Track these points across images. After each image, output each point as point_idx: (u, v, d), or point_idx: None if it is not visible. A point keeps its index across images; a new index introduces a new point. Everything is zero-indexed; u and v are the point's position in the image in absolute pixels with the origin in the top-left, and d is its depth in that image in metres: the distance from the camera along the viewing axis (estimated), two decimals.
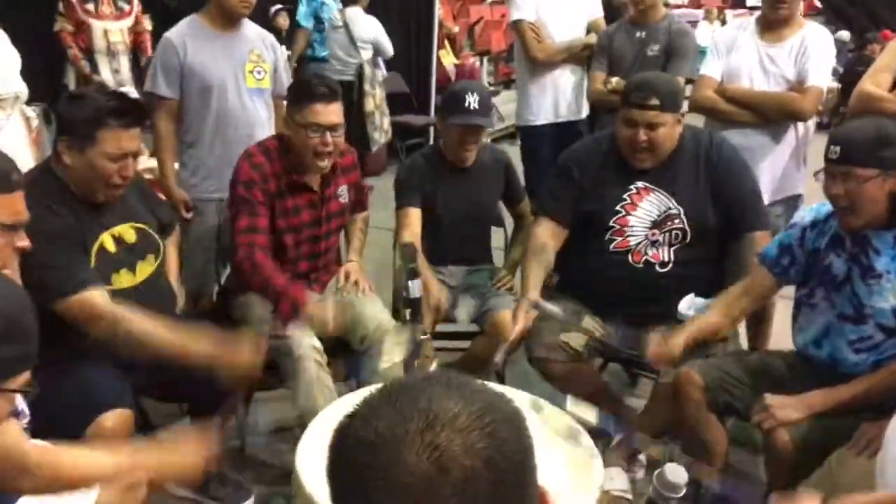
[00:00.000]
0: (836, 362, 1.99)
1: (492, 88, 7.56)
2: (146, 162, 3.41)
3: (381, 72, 5.88)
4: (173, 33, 2.83)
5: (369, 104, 5.67)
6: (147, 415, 2.19)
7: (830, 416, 1.89)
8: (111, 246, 2.02)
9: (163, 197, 2.63)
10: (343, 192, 2.48)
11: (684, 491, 1.16)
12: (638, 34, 3.27)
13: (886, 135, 1.84)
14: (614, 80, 3.22)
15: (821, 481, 1.77)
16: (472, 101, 2.55)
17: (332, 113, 2.28)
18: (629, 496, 2.26)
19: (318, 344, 2.23)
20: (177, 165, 2.93)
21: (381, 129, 5.79)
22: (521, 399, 1.86)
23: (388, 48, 5.78)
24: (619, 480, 2.31)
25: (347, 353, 2.44)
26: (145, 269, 2.11)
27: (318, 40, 5.86)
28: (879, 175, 1.83)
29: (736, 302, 2.20)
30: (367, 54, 5.66)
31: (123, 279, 2.05)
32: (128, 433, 1.84)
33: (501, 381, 2.80)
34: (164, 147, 2.85)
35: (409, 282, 1.98)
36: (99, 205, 2.01)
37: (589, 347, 2.45)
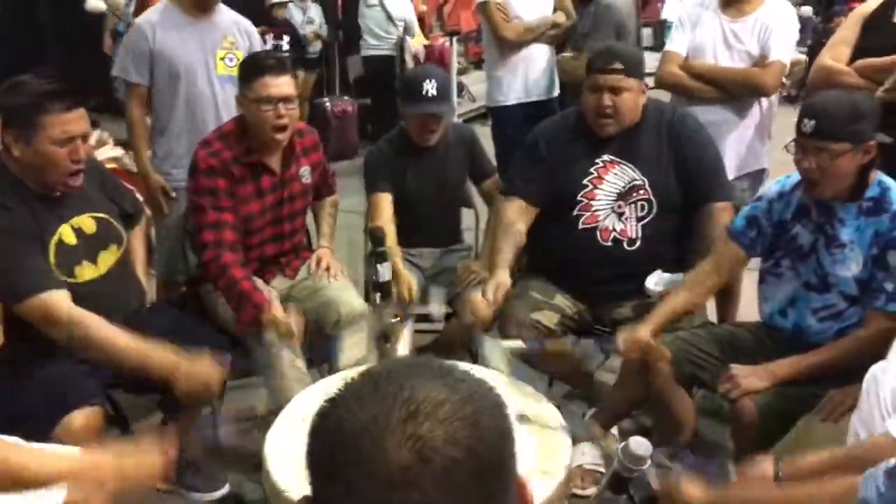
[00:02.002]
0: (801, 331, 2.03)
1: (462, 69, 7.54)
2: (111, 151, 3.37)
3: (411, 45, 6.18)
4: (143, 18, 2.79)
5: None
6: (120, 409, 2.17)
7: (795, 384, 1.92)
8: (71, 238, 1.99)
9: (129, 186, 2.60)
10: (305, 173, 2.47)
11: (648, 463, 1.18)
12: None
13: (859, 109, 1.85)
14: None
15: (788, 448, 1.80)
16: (430, 87, 2.54)
17: (284, 84, 2.25)
18: (602, 469, 2.31)
19: (291, 330, 2.23)
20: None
21: None
22: (492, 378, 1.90)
23: (416, 26, 6.26)
24: (590, 454, 2.36)
25: (321, 338, 2.44)
26: (108, 259, 2.08)
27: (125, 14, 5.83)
28: (851, 149, 1.84)
29: (706, 277, 2.22)
30: (401, 30, 6.05)
31: (86, 271, 2.02)
32: (98, 431, 1.82)
33: (475, 361, 2.82)
34: (136, 133, 2.82)
35: (378, 265, 1.99)
36: (56, 197, 1.98)
37: (561, 324, 2.47)
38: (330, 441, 0.65)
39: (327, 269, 2.47)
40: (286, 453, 1.56)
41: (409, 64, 5.91)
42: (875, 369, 1.59)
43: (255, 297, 2.20)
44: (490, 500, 0.64)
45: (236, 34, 2.84)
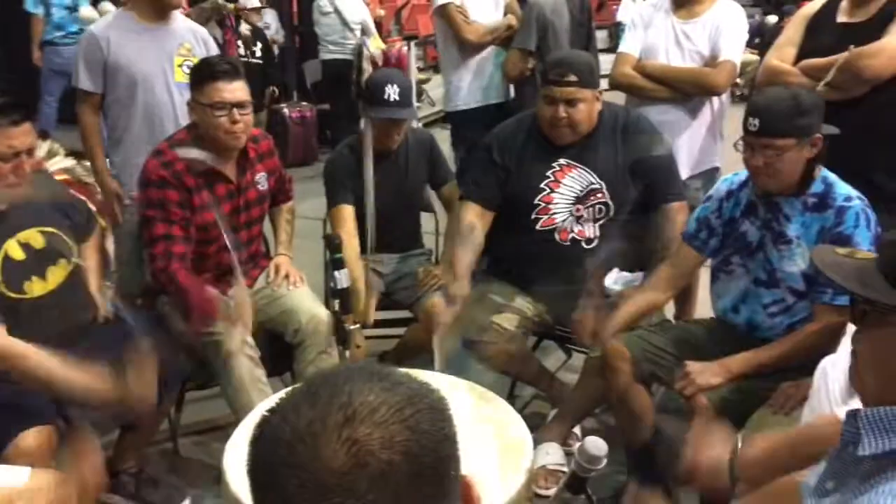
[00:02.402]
0: (753, 327, 2.07)
1: (421, 74, 7.54)
2: (62, 162, 3.30)
3: (367, 48, 6.11)
4: (98, 27, 2.77)
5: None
6: (74, 426, 2.12)
7: (748, 378, 1.96)
8: (18, 253, 1.94)
9: (82, 197, 2.55)
10: (261, 180, 2.44)
11: (605, 462, 1.19)
12: None
13: (801, 104, 1.90)
14: None
15: (742, 441, 1.84)
16: (392, 92, 2.54)
17: (237, 90, 2.23)
18: (565, 469, 2.33)
19: (249, 339, 2.21)
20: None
21: None
22: (456, 384, 1.90)
23: (373, 28, 6.22)
24: (554, 454, 2.38)
25: (281, 347, 2.42)
26: (58, 274, 2.03)
27: (51, 24, 5.81)
28: (797, 143, 1.89)
29: (667, 281, 2.25)
30: (358, 34, 6.03)
31: (35, 287, 1.98)
32: (51, 451, 1.76)
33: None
34: (91, 141, 2.79)
35: (335, 272, 1.98)
36: (1, 211, 1.93)
37: (521, 327, 2.48)
38: (266, 449, 0.65)
39: (286, 277, 2.45)
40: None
41: (367, 69, 5.86)
42: (825, 363, 1.63)
43: (205, 309, 2.17)
44: (430, 502, 0.64)
45: (192, 41, 2.82)
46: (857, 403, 1.01)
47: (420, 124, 6.73)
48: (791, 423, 1.75)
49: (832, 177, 1.97)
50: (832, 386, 1.56)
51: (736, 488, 1.30)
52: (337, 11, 6.01)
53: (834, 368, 1.58)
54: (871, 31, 2.30)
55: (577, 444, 1.23)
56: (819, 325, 1.91)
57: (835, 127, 1.92)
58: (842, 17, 2.42)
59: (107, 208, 2.76)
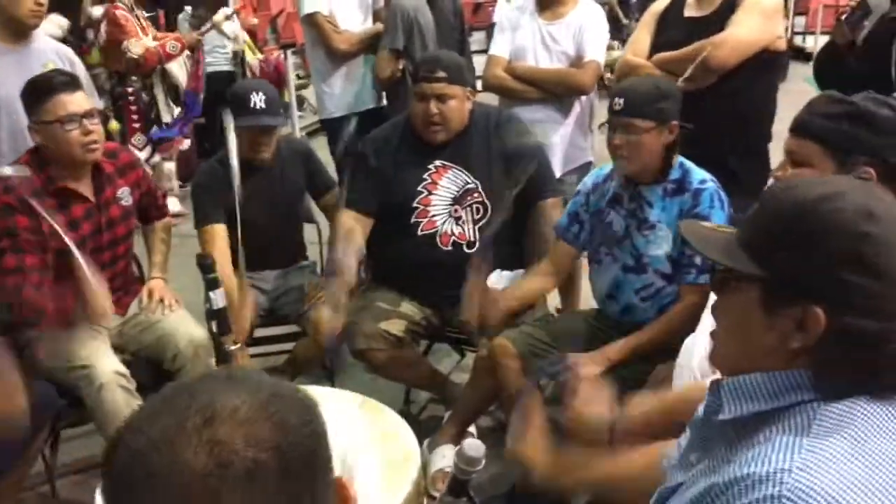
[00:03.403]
0: (629, 313, 2.16)
1: (301, 81, 7.42)
2: None
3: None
4: None
5: None
6: None
7: (627, 364, 2.04)
8: None
9: None
10: (124, 195, 2.34)
11: (483, 464, 1.20)
12: None
13: (662, 90, 2.02)
14: None
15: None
16: (258, 100, 2.48)
17: (81, 100, 2.15)
18: None
19: (122, 369, 2.11)
20: None
21: None
22: (348, 398, 1.88)
23: (243, 34, 5.99)
24: (449, 457, 2.39)
25: (161, 375, 2.31)
26: None
27: None
28: (657, 127, 1.99)
29: (545, 276, 2.33)
30: (233, 44, 5.83)
31: None
32: None
33: (331, 378, 2.79)
34: None
35: (210, 293, 1.91)
36: None
37: (410, 332, 2.48)
38: (121, 465, 0.61)
39: (160, 301, 2.35)
40: None
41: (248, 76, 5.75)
42: (687, 341, 1.72)
43: (36, 302, 2.06)
44: (300, 501, 0.62)
45: (57, 61, 2.70)
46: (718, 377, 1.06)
47: (303, 133, 6.64)
48: None
49: (688, 163, 2.08)
50: (694, 363, 1.64)
51: (613, 447, 1.34)
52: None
53: (695, 346, 1.66)
54: (715, 23, 2.45)
55: (456, 448, 1.24)
56: (683, 305, 2.02)
57: (688, 118, 2.03)
58: (689, 12, 2.56)
59: None
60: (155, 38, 4.82)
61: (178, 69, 4.89)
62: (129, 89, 4.82)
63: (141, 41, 4.66)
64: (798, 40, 10.75)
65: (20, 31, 2.62)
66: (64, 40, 5.51)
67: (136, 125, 4.86)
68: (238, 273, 2.35)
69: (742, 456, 0.85)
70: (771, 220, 0.91)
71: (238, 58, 5.83)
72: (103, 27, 4.96)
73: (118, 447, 0.62)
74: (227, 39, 5.84)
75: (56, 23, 5.47)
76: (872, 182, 0.94)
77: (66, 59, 2.76)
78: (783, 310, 0.87)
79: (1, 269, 2.10)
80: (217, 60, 5.84)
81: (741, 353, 0.94)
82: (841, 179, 1.02)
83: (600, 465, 1.27)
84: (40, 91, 2.13)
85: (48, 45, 2.75)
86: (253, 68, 6.07)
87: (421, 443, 2.37)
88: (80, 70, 2.80)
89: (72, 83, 2.14)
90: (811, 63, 3.06)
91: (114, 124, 5.42)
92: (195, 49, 4.99)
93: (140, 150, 5.67)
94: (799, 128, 1.50)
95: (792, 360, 0.88)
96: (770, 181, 1.86)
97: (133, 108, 4.82)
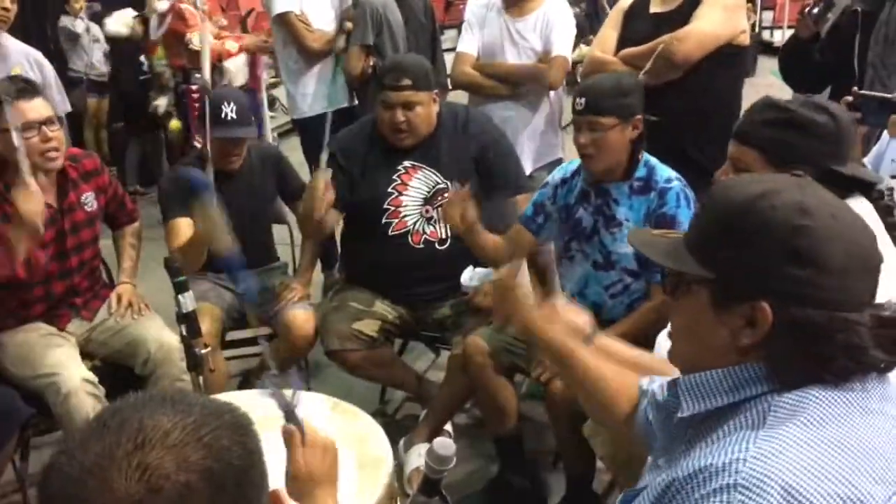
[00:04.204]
0: (599, 309, 2.16)
1: (273, 80, 7.34)
2: None
3: None
4: None
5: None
6: None
7: None
8: None
9: None
10: (89, 200, 2.31)
11: (454, 462, 1.20)
12: None
13: (623, 86, 2.03)
14: None
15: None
16: (229, 111, 2.46)
17: (41, 107, 2.10)
18: None
19: (90, 376, 2.08)
20: None
21: None
22: (318, 400, 1.86)
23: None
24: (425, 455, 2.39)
25: (131, 380, 2.29)
26: None
27: None
28: (620, 123, 2.00)
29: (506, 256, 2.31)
30: None
31: None
32: None
33: (307, 380, 2.78)
34: None
35: (178, 296, 1.89)
36: None
37: (383, 331, 2.48)
38: (55, 491, 0.62)
39: (129, 305, 2.32)
40: None
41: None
42: (660, 337, 1.73)
43: None
44: None
45: (25, 63, 2.69)
46: None
47: (274, 134, 6.58)
48: None
49: (653, 160, 2.10)
50: (664, 355, 1.65)
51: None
52: None
53: (666, 340, 1.67)
54: (679, 18, 2.47)
55: (426, 448, 1.25)
56: (655, 302, 2.03)
57: (650, 112, 2.05)
58: (654, 8, 2.58)
59: None
60: (216, 37, 4.79)
61: (236, 69, 4.87)
62: (193, 86, 4.77)
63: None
64: (766, 35, 10.88)
65: None
66: (129, 39, 5.47)
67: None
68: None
69: (701, 451, 0.86)
70: (711, 222, 0.94)
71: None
72: (167, 21, 4.94)
73: (52, 472, 0.62)
74: None
75: (122, 21, 5.40)
76: (806, 178, 0.96)
77: (34, 62, 2.74)
78: (732, 308, 0.89)
79: None
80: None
81: (696, 351, 0.96)
82: (775, 177, 1.04)
83: (585, 351, 1.28)
84: None
85: (17, 48, 2.72)
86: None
87: (397, 442, 2.38)
88: (50, 74, 2.77)
89: (29, 90, 2.10)
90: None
91: (175, 123, 5.38)
92: (255, 50, 5.01)
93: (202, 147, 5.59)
94: (739, 135, 1.51)
95: (745, 356, 0.90)
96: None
97: (196, 105, 4.74)
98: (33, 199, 2.01)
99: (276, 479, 0.72)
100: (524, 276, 1.46)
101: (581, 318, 1.41)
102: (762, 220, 0.87)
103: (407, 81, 2.35)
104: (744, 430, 0.85)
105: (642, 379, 1.21)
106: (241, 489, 0.65)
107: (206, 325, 2.23)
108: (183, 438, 0.62)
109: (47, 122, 2.10)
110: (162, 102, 5.27)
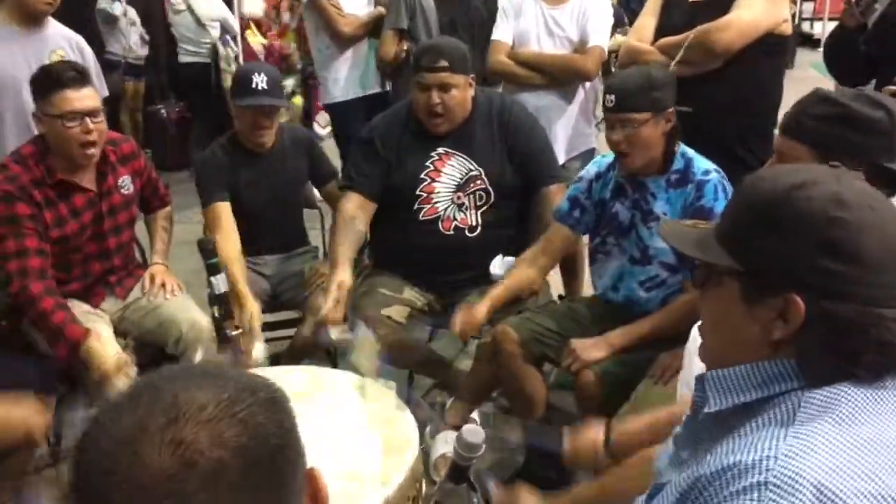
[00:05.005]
0: (632, 303, 2.15)
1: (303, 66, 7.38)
2: None
3: (232, 49, 5.72)
4: None
5: (228, 80, 5.48)
6: None
7: (630, 351, 2.03)
8: None
9: None
10: (126, 183, 2.34)
11: (483, 449, 1.20)
12: None
13: (653, 79, 1.99)
14: None
15: (630, 412, 1.91)
16: (260, 81, 2.46)
17: (87, 97, 2.12)
18: None
19: (124, 356, 2.10)
20: None
21: None
22: (346, 381, 1.87)
23: (235, 25, 5.75)
24: (452, 442, 2.39)
25: (164, 360, 2.32)
26: None
27: None
28: (652, 117, 1.97)
29: (536, 258, 2.30)
30: (215, 33, 5.60)
31: None
32: None
33: (334, 363, 2.79)
34: None
35: (211, 278, 1.92)
36: None
37: (412, 318, 2.48)
38: (86, 463, 0.61)
39: (162, 286, 2.35)
40: None
41: (229, 68, 5.53)
42: (694, 331, 1.70)
43: (68, 332, 2.05)
44: (268, 497, 0.62)
45: (66, 48, 2.70)
46: None
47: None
48: (670, 393, 1.82)
49: (690, 152, 2.06)
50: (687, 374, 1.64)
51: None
52: (190, 9, 5.60)
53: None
54: (719, 6, 2.42)
55: (456, 434, 1.24)
56: (688, 296, 2.00)
57: (688, 103, 2.01)
58: None
59: None
60: None
61: None
62: None
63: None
64: (805, 26, 10.68)
65: (32, 17, 2.62)
66: (259, 24, 5.55)
67: (321, 104, 4.82)
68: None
69: (728, 447, 0.85)
70: (744, 212, 0.92)
71: (213, 48, 5.65)
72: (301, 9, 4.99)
73: (84, 445, 0.62)
74: (204, 31, 5.67)
75: (258, 3, 5.47)
76: (842, 169, 0.94)
77: (76, 47, 2.75)
78: (764, 301, 0.87)
79: (2, 255, 2.10)
80: (198, 51, 5.68)
81: (725, 345, 0.94)
82: (811, 168, 1.02)
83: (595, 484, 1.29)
84: (49, 83, 2.12)
85: (59, 32, 2.74)
86: (238, 57, 6.00)
87: (424, 428, 2.38)
88: (90, 59, 2.79)
89: (80, 79, 2.12)
90: (819, 49, 3.03)
91: (298, 99, 5.42)
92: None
93: (323, 127, 5.68)
94: (788, 129, 1.48)
95: (775, 350, 0.88)
96: None
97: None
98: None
99: (311, 456, 0.71)
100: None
101: (591, 432, 1.46)
102: (797, 211, 0.85)
103: (444, 63, 2.33)
104: (773, 426, 0.83)
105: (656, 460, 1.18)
106: (276, 466, 0.64)
107: (249, 311, 2.26)
108: (217, 414, 0.61)
109: (92, 113, 2.12)
110: (289, 83, 5.51)
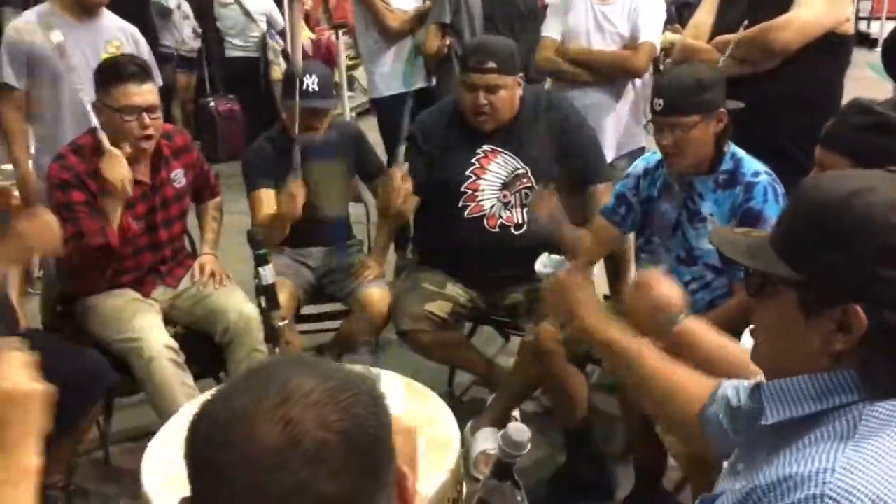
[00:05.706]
0: None
1: (352, 62, 7.43)
2: None
3: (278, 42, 5.79)
4: (22, 20, 2.68)
5: (276, 73, 5.60)
6: None
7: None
8: None
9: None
10: (178, 177, 2.38)
11: (528, 448, 1.19)
12: None
13: (702, 80, 1.94)
14: None
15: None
16: (311, 83, 2.49)
17: (147, 93, 2.16)
18: None
19: (172, 342, 2.16)
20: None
21: None
22: (393, 379, 1.88)
23: (280, 18, 5.78)
24: (493, 439, 2.39)
25: (212, 348, 2.36)
26: None
27: None
28: (702, 119, 1.93)
29: (586, 251, 2.28)
30: (263, 26, 5.71)
31: None
32: None
33: (378, 358, 2.81)
34: (17, 143, 2.69)
35: (259, 268, 1.94)
36: None
37: (454, 314, 2.48)
38: (202, 431, 0.66)
39: (212, 275, 2.39)
40: (164, 469, 1.49)
41: (278, 62, 5.64)
42: (746, 332, 1.67)
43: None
44: (363, 484, 0.65)
45: (122, 39, 2.75)
46: None
47: (354, 114, 6.67)
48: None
49: (740, 152, 2.01)
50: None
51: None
52: (238, 2, 5.67)
53: (749, 338, 1.62)
54: (776, 4, 2.36)
55: (500, 432, 1.24)
56: (738, 300, 1.96)
57: (744, 102, 1.97)
58: None
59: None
60: None
61: None
62: None
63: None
64: (862, 25, 10.37)
65: (87, 8, 2.67)
66: (307, 18, 5.67)
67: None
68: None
69: (785, 458, 0.83)
70: (801, 220, 0.90)
71: (263, 40, 5.74)
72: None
73: (203, 416, 0.67)
74: (253, 24, 5.76)
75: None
76: None
77: (131, 38, 2.80)
78: (823, 312, 0.86)
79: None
80: (246, 45, 5.77)
81: (782, 355, 0.92)
82: (868, 173, 0.99)
83: (650, 351, 1.23)
84: (110, 76, 2.16)
85: (114, 23, 2.79)
86: (305, 48, 6.07)
87: (464, 425, 2.39)
88: (145, 50, 2.84)
89: (142, 74, 2.16)
90: (876, 49, 2.94)
91: None
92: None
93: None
94: (827, 140, 1.45)
95: (836, 361, 0.86)
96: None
97: None
98: (117, 165, 2.09)
99: None
100: (590, 277, 1.44)
101: (675, 293, 1.38)
102: (857, 219, 0.83)
103: (492, 64, 2.32)
104: (833, 439, 0.82)
105: (716, 385, 1.16)
106: (373, 457, 0.67)
107: (283, 300, 2.28)
108: (323, 399, 0.65)
109: (150, 108, 2.16)
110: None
